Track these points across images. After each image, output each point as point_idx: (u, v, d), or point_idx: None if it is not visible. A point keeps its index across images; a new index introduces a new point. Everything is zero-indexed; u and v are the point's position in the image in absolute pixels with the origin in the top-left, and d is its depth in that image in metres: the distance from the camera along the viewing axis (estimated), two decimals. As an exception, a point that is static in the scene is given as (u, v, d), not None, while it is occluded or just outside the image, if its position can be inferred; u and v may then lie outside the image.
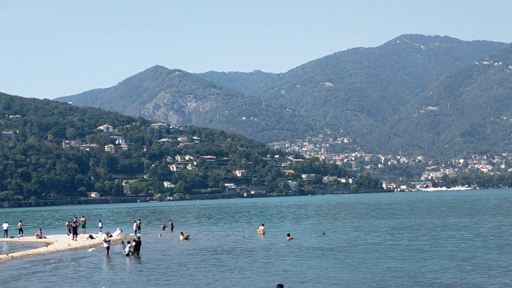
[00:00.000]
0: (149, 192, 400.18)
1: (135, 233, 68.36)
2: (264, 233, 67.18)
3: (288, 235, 60.01)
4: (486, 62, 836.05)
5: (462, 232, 60.70)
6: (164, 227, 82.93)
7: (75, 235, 66.99)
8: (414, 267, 37.05)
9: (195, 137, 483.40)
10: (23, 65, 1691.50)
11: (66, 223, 78.96)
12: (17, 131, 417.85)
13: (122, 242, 51.72)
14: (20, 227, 76.87)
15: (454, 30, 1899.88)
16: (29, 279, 37.23)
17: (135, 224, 73.02)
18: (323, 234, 62.63)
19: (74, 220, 72.28)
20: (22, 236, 74.27)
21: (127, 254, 49.19)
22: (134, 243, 50.41)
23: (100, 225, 78.17)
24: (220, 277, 35.86)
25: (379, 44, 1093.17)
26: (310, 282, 32.75)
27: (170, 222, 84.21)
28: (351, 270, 36.76)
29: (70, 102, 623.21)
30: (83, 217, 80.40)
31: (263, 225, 71.56)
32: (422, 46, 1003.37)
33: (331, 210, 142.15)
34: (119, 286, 33.19)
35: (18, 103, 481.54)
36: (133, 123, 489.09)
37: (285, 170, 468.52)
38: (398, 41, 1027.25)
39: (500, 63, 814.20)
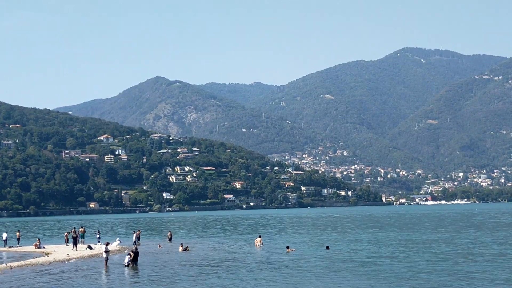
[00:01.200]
0: (149, 203, 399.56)
1: (135, 244, 68.28)
2: (261, 245, 67.13)
3: (288, 247, 59.90)
4: (486, 76, 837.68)
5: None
6: (170, 237, 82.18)
7: (75, 245, 67.24)
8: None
9: (195, 148, 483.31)
10: (23, 75, 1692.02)
11: (65, 233, 78.98)
12: (17, 141, 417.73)
13: (129, 254, 51.48)
14: (18, 236, 76.90)
15: (454, 44, 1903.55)
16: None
17: (134, 234, 72.93)
18: (327, 247, 61.87)
19: (73, 230, 72.36)
20: (20, 246, 74.24)
21: (127, 265, 49.17)
22: (132, 254, 50.42)
23: (98, 235, 78.21)
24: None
25: (379, 57, 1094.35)
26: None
27: (169, 233, 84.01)
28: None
29: (70, 112, 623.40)
30: (81, 227, 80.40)
31: (260, 236, 71.57)
32: (422, 60, 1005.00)
33: (333, 222, 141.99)
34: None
35: (18, 112, 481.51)
36: (133, 134, 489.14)
37: (284, 182, 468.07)
38: (398, 54, 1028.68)
39: (500, 77, 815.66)
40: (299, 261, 50.38)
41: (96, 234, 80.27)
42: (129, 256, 50.01)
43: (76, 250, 64.72)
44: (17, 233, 78.77)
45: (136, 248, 52.93)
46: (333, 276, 40.24)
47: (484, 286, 34.37)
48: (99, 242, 73.37)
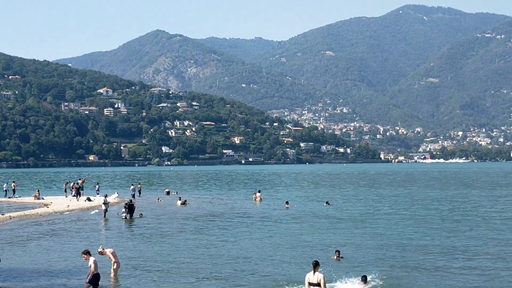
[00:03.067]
0: (147, 156, 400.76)
1: (133, 197, 68.55)
2: (260, 200, 67.40)
3: (287, 202, 60.10)
4: (489, 35, 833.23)
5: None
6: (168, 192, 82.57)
7: (78, 196, 69.25)
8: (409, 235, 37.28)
9: (194, 103, 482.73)
10: (23, 26, 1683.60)
11: (64, 184, 79.30)
12: (16, 92, 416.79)
13: (125, 206, 51.80)
14: (14, 187, 76.93)
15: (457, 2, 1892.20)
16: (27, 240, 37.43)
17: (132, 187, 73.12)
18: (326, 203, 62.12)
19: (79, 181, 73.61)
20: (18, 197, 74.49)
21: (125, 218, 49.50)
22: (127, 206, 50.79)
23: (97, 187, 78.58)
24: (214, 243, 36.06)
25: (381, 14, 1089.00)
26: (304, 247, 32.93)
27: (166, 191, 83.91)
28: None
29: (70, 64, 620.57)
30: (80, 179, 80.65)
31: (259, 191, 71.90)
32: (424, 17, 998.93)
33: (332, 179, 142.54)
34: (116, 247, 33.36)
35: (17, 64, 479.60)
36: (133, 87, 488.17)
37: (283, 138, 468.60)
38: (400, 12, 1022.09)
39: (502, 36, 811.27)
40: (299, 215, 50.67)
41: (95, 186, 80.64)
42: (124, 209, 50.35)
43: (78, 200, 65.71)
44: (13, 184, 78.88)
45: (130, 201, 53.26)
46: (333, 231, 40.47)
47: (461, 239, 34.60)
48: (98, 194, 73.73)
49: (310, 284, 20.30)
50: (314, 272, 20.25)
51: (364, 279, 23.89)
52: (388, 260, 29.37)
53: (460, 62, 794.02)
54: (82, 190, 74.63)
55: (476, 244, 34.09)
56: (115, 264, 25.71)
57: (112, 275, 25.63)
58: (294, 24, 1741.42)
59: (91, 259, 22.44)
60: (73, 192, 73.75)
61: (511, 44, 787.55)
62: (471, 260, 29.25)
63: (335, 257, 29.32)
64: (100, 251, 25.40)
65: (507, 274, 25.88)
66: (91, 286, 22.38)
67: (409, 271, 26.53)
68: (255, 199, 68.20)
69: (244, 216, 51.16)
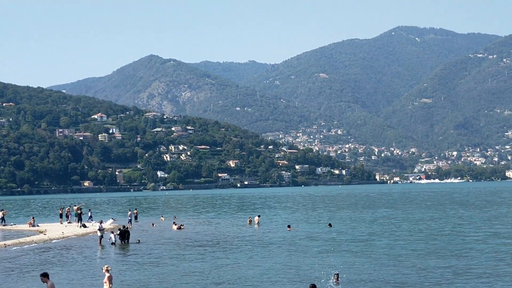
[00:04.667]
0: (143, 181, 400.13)
1: (130, 223, 68.44)
2: (258, 224, 67.27)
3: (289, 226, 59.88)
4: (481, 55, 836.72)
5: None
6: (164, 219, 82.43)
7: (80, 221, 69.53)
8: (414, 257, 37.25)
9: (189, 127, 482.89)
10: (17, 53, 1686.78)
11: (59, 210, 78.96)
12: (11, 119, 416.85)
13: (112, 232, 51.81)
14: (2, 215, 75.73)
15: (449, 23, 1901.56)
16: (22, 270, 37.23)
17: (129, 213, 72.95)
18: (329, 225, 62.13)
19: (75, 207, 73.89)
20: (6, 225, 73.92)
21: (113, 243, 49.33)
22: (118, 232, 50.72)
23: (89, 214, 78.49)
24: (211, 268, 35.96)
25: (374, 35, 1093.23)
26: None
27: (162, 218, 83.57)
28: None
29: (64, 91, 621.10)
30: (75, 206, 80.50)
31: (259, 216, 71.73)
32: (417, 38, 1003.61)
33: (330, 201, 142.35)
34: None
35: (11, 91, 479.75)
36: (127, 113, 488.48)
37: (278, 161, 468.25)
38: (393, 33, 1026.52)
39: (494, 56, 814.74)
40: (303, 238, 50.60)
41: (88, 213, 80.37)
42: (113, 235, 50.18)
43: (81, 226, 65.95)
44: (1, 211, 77.52)
45: (124, 226, 53.22)
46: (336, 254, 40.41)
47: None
48: (90, 220, 73.65)
49: None
50: None
51: None
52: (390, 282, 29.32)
53: (453, 82, 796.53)
54: (77, 216, 74.55)
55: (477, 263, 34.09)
56: (109, 289, 25.69)
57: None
58: (287, 47, 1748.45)
59: (49, 283, 22.28)
60: (69, 219, 73.74)
61: (503, 63, 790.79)
62: (471, 279, 29.24)
63: (334, 280, 29.37)
64: (105, 270, 25.73)
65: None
66: None
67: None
68: (249, 223, 68.10)
69: (242, 240, 51.03)
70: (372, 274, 31.82)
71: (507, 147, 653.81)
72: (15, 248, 48.32)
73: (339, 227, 60.80)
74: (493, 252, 39.35)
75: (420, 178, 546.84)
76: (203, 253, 42.52)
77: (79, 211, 71.67)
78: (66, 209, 78.72)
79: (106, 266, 26.41)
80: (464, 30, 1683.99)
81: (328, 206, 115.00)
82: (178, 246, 47.91)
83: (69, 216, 76.08)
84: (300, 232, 56.27)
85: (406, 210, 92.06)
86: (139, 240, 50.75)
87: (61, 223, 73.31)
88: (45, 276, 22.52)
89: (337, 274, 29.81)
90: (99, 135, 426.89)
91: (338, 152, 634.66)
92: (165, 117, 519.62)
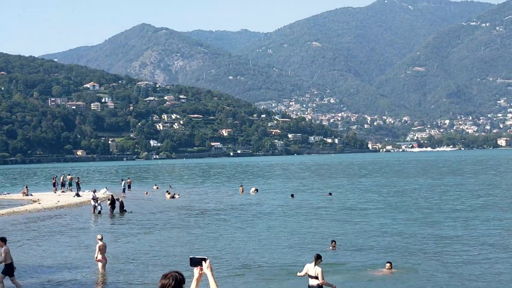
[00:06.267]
0: (136, 150, 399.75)
1: (124, 192, 68.48)
2: (256, 191, 67.62)
3: (292, 195, 60.09)
4: (474, 23, 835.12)
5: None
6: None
7: (78, 189, 69.83)
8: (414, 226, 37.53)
9: (181, 96, 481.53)
10: (8, 22, 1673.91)
11: (52, 179, 78.99)
12: (2, 88, 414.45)
13: (97, 200, 51.74)
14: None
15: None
16: (16, 238, 37.35)
17: (123, 182, 73.00)
18: (329, 194, 62.51)
19: (68, 177, 74.05)
20: (5, 194, 74.15)
21: (99, 212, 49.53)
22: (109, 202, 50.93)
23: (77, 181, 78.54)
24: (203, 236, 36.15)
25: (367, 3, 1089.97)
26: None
27: (155, 186, 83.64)
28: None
29: (56, 60, 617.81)
30: (69, 175, 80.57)
31: (256, 190, 71.37)
32: (410, 6, 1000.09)
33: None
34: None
35: (3, 60, 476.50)
36: (120, 82, 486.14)
37: (271, 130, 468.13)
38: (386, 1, 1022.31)
39: (487, 24, 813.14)
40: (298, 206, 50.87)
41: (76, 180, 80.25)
42: (97, 203, 50.40)
43: (79, 195, 66.19)
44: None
45: (112, 196, 53.37)
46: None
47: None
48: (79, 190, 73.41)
49: (309, 275, 20.57)
50: (315, 264, 20.49)
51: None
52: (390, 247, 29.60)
53: (446, 50, 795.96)
54: (71, 186, 74.69)
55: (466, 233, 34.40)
56: (101, 259, 25.79)
57: (100, 269, 25.78)
58: (280, 15, 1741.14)
59: (3, 248, 22.45)
60: (63, 188, 73.96)
61: (496, 32, 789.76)
62: (459, 245, 29.54)
63: (331, 247, 29.73)
64: (99, 238, 26.00)
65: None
66: (6, 276, 22.55)
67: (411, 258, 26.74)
68: (241, 192, 68.36)
69: (237, 209, 51.21)
70: (367, 241, 32.11)
71: (499, 115, 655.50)
72: (8, 217, 48.40)
73: (338, 196, 61.16)
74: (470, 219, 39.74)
75: (412, 147, 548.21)
76: (195, 223, 42.70)
77: (76, 180, 72.05)
78: (61, 178, 78.78)
79: (99, 235, 26.58)
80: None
81: (324, 175, 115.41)
82: (170, 215, 48.02)
83: (64, 185, 76.14)
84: (299, 201, 56.62)
85: (392, 178, 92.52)
86: (126, 210, 50.51)
87: (55, 192, 73.37)
88: (2, 240, 22.72)
89: (334, 241, 30.20)
90: (92, 104, 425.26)
91: (331, 121, 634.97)
92: (157, 86, 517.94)
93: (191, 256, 7.63)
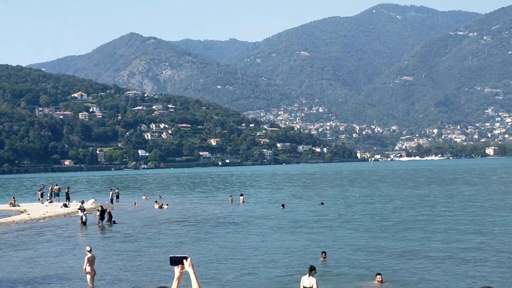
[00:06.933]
0: (124, 160, 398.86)
1: (112, 202, 68.08)
2: (243, 202, 67.07)
3: (283, 205, 59.78)
4: (461, 33, 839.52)
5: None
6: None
7: (68, 200, 69.19)
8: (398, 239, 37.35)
9: (170, 105, 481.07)
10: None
11: (39, 190, 78.35)
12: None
13: (83, 210, 51.26)
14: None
15: (430, 0, 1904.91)
16: (5, 247, 36.92)
17: (111, 192, 72.56)
18: (321, 203, 62.00)
19: (56, 187, 73.55)
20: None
21: (84, 223, 49.03)
22: (98, 212, 50.52)
23: (66, 191, 77.98)
24: (187, 245, 35.82)
25: (355, 13, 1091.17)
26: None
27: (144, 196, 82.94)
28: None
29: (43, 69, 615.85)
30: (57, 185, 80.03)
31: (242, 195, 71.21)
32: (398, 16, 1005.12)
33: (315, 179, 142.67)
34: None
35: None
36: (108, 91, 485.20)
37: (260, 139, 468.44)
38: (374, 11, 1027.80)
39: (475, 33, 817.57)
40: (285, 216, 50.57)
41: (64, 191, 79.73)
42: (83, 213, 49.98)
43: (69, 205, 65.66)
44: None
45: (101, 206, 52.91)
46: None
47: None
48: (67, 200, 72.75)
49: (304, 287, 20.54)
50: (309, 276, 20.47)
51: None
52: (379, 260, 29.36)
53: (434, 60, 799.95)
54: (58, 196, 74.17)
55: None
56: (90, 271, 25.54)
57: (88, 281, 25.50)
58: (268, 25, 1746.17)
59: None
60: (50, 198, 73.41)
61: (484, 41, 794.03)
62: (450, 260, 29.35)
63: (321, 258, 29.47)
64: (88, 250, 25.81)
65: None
66: None
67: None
68: (231, 202, 68.00)
69: (225, 219, 50.88)
70: (357, 252, 31.87)
71: (487, 124, 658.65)
72: (-5, 228, 47.89)
73: (329, 205, 60.85)
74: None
75: (401, 156, 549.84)
76: (184, 234, 42.34)
77: (66, 190, 71.54)
78: (49, 188, 78.25)
79: (88, 246, 26.35)
80: (444, 8, 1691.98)
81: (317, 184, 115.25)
82: (158, 226, 47.59)
83: (52, 196, 75.55)
84: (291, 210, 56.38)
85: (380, 187, 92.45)
86: (114, 221, 50.00)
87: (42, 203, 72.81)
88: None
89: (324, 252, 29.95)
90: (80, 114, 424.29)
91: (320, 130, 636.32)
92: (146, 95, 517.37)
93: (171, 255, 7.64)
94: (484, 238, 36.07)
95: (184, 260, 7.71)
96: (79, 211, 50.63)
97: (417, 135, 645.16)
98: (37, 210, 62.52)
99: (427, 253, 31.13)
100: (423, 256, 30.30)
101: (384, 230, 40.35)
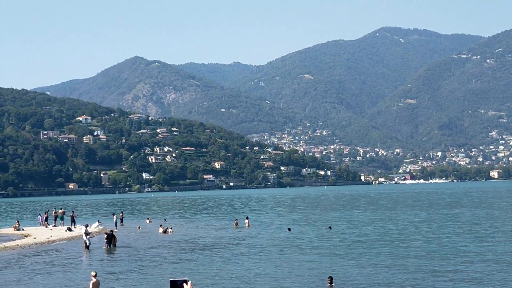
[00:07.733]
0: (128, 183, 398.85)
1: (115, 226, 67.95)
2: (248, 226, 66.72)
3: (289, 229, 59.57)
4: (465, 56, 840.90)
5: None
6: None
7: (73, 224, 69.07)
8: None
9: (174, 129, 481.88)
10: (0, 55, 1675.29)
11: (44, 214, 78.18)
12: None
13: (88, 234, 50.97)
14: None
15: (433, 24, 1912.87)
16: (10, 272, 36.76)
17: (115, 217, 72.41)
18: (329, 227, 61.62)
19: (60, 211, 73.41)
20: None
21: (87, 247, 48.82)
22: (106, 236, 50.39)
23: (71, 214, 77.83)
24: (191, 269, 35.66)
25: (358, 36, 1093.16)
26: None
27: (148, 220, 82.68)
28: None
29: (48, 93, 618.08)
30: (61, 209, 79.89)
31: (247, 218, 71.03)
32: (401, 39, 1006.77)
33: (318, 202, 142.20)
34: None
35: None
36: (112, 114, 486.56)
37: (264, 162, 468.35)
38: (377, 34, 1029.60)
39: (478, 56, 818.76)
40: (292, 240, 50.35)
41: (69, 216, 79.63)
42: (86, 237, 49.86)
43: (75, 229, 65.65)
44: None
45: (110, 231, 52.76)
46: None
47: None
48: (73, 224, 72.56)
49: None
50: None
51: None
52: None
53: (437, 83, 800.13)
54: (62, 220, 73.98)
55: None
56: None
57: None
58: (272, 48, 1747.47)
59: None
60: (55, 222, 73.26)
61: (487, 64, 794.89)
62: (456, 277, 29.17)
63: (328, 283, 29.30)
64: (93, 275, 25.84)
65: None
66: None
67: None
68: (236, 226, 67.64)
69: (232, 244, 50.61)
70: (364, 277, 31.68)
71: (491, 147, 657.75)
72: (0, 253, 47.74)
73: (337, 229, 60.53)
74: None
75: (405, 179, 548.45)
76: (189, 259, 42.10)
77: (71, 214, 71.36)
78: (53, 212, 78.10)
79: (93, 272, 26.27)
80: (448, 31, 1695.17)
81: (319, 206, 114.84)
82: (162, 251, 47.36)
83: (56, 219, 75.36)
84: (298, 234, 56.07)
85: (385, 210, 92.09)
86: (115, 244, 49.82)
87: (46, 227, 72.67)
88: None
89: (331, 277, 29.74)
90: (84, 137, 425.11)
91: (323, 153, 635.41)
92: (150, 118, 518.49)
93: (171, 279, 7.54)
94: None
95: (185, 284, 7.68)
96: (84, 235, 50.43)
97: (421, 158, 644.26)
98: (42, 234, 62.36)
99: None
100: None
101: (391, 255, 40.12)
